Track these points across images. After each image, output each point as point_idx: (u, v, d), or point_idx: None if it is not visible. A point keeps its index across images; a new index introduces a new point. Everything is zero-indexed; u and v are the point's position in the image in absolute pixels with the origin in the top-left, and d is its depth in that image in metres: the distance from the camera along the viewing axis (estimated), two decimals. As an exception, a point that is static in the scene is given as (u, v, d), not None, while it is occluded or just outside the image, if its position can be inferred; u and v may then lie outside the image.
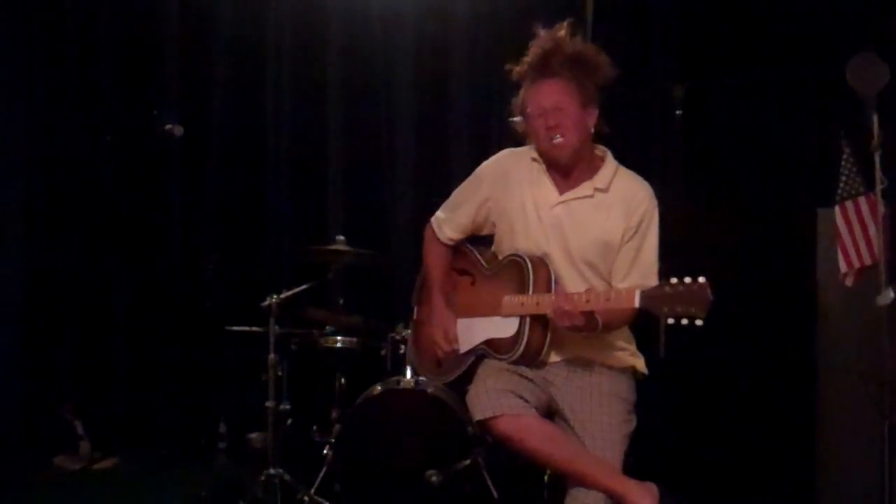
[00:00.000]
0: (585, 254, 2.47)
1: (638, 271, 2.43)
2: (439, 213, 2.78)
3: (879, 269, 2.91)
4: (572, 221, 2.50)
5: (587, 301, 2.29)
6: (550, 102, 2.43)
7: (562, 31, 2.46)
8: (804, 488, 3.39)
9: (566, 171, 2.52)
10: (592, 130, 2.49)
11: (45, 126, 4.46)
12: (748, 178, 3.76)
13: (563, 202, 2.52)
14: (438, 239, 2.76)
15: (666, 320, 2.10)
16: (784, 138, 3.72)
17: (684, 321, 2.08)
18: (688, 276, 2.12)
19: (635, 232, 2.46)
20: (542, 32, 2.49)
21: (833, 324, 3.32)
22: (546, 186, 2.55)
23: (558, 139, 2.43)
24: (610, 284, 2.48)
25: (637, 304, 2.17)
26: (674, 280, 2.10)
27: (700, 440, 3.64)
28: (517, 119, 2.61)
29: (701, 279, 2.07)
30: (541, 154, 2.54)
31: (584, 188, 2.50)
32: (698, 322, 2.06)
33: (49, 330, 4.44)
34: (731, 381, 3.68)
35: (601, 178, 2.51)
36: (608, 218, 2.48)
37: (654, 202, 2.51)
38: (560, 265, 2.48)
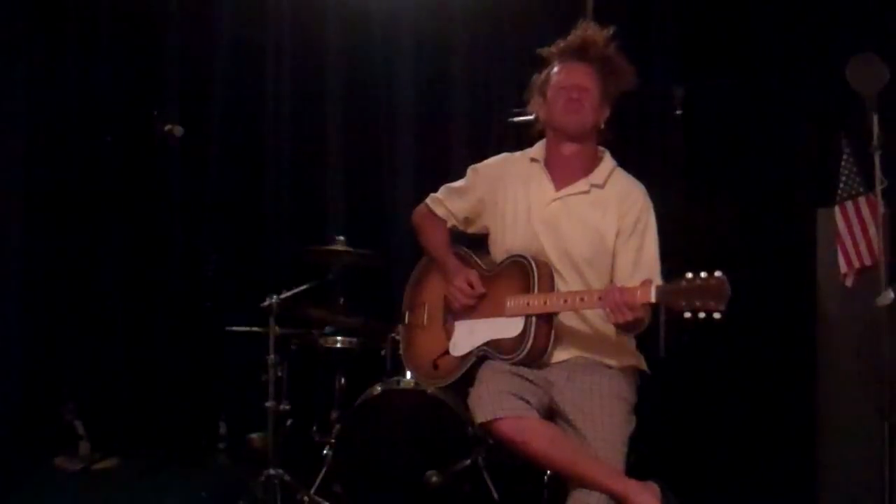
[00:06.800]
0: (582, 250, 2.48)
1: (642, 270, 2.43)
2: (436, 194, 2.81)
3: (879, 270, 2.90)
4: (568, 217, 2.51)
5: (600, 298, 2.29)
6: (579, 81, 2.51)
7: (605, 31, 2.56)
8: (804, 488, 3.38)
9: (565, 166, 2.55)
10: (602, 126, 2.57)
11: (45, 126, 4.46)
12: (748, 178, 3.76)
13: (559, 198, 2.53)
14: (435, 213, 2.79)
15: (683, 315, 2.11)
16: (784, 138, 3.71)
17: (702, 315, 2.08)
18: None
19: (633, 231, 2.48)
20: (587, 24, 2.59)
21: (833, 324, 3.31)
22: (543, 183, 2.57)
23: (577, 112, 2.49)
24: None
25: (653, 298, 2.18)
26: (689, 275, 2.11)
27: (700, 440, 3.64)
28: (518, 119, 2.63)
29: (718, 273, 2.08)
30: (554, 126, 2.56)
31: (581, 184, 2.54)
32: (716, 316, 2.06)
33: (49, 330, 4.44)
34: (731, 381, 3.68)
35: (598, 174, 2.55)
36: (604, 215, 2.50)
37: (649, 202, 2.55)
38: (555, 263, 2.49)
